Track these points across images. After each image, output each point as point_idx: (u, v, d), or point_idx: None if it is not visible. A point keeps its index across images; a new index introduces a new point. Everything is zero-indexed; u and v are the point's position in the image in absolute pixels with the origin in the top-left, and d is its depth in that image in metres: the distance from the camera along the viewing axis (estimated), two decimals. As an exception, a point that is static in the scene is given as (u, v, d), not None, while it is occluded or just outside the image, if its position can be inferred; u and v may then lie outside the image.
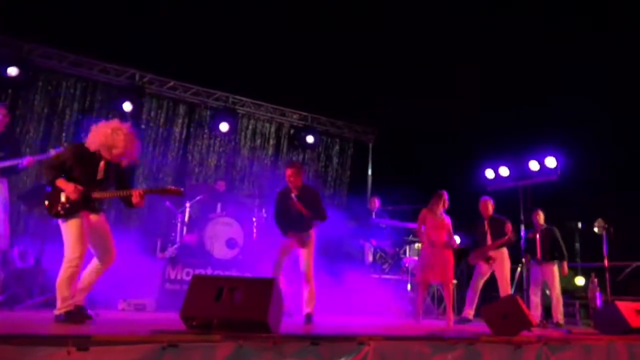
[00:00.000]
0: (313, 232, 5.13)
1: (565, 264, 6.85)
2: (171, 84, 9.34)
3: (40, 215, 5.98)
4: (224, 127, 9.41)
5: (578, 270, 9.83)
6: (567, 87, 10.42)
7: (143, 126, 9.13)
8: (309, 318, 4.96)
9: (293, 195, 5.07)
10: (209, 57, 9.93)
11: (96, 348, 2.44)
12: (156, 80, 9.21)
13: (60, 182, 3.71)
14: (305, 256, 5.04)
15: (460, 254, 7.28)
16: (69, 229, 3.69)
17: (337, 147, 11.21)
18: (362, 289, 7.22)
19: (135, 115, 8.90)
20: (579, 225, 10.58)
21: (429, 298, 7.91)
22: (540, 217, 6.98)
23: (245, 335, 2.92)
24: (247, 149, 10.19)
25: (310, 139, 10.34)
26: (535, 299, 6.72)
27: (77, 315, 3.63)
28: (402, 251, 8.36)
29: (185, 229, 7.24)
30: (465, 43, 10.86)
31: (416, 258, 8.30)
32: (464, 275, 9.55)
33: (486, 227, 6.70)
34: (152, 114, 9.27)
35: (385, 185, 10.39)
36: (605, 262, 6.49)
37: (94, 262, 3.87)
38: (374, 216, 8.44)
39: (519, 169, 7.67)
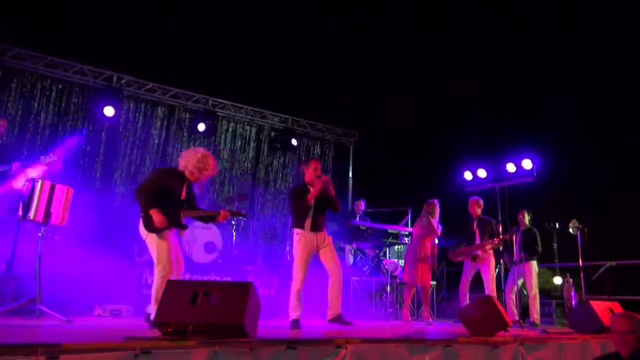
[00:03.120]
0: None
1: (535, 263, 6.97)
2: (149, 86, 9.23)
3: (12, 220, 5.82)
4: (201, 127, 9.36)
5: (556, 270, 9.98)
6: (543, 89, 10.61)
7: (121, 128, 9.01)
8: (341, 318, 4.87)
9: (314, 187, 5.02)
10: (189, 59, 9.86)
11: (66, 357, 2.39)
12: (134, 82, 9.09)
13: (153, 212, 4.15)
14: (333, 252, 5.03)
15: (440, 254, 7.39)
16: (160, 246, 4.19)
17: (317, 150, 11.21)
18: (341, 291, 7.21)
19: (113, 117, 8.78)
20: (557, 225, 10.76)
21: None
22: (526, 217, 7.09)
23: (220, 340, 2.89)
24: (227, 151, 10.13)
25: (291, 142, 10.32)
26: (512, 298, 6.81)
27: None
28: (382, 253, 8.39)
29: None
30: (444, 47, 10.98)
31: (396, 260, 8.35)
32: (444, 276, 9.64)
33: (475, 227, 6.78)
34: (130, 115, 9.15)
35: (365, 188, 10.43)
36: (580, 262, 6.60)
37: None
38: (358, 218, 8.45)
39: (496, 171, 7.78)
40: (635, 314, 3.26)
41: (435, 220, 6.71)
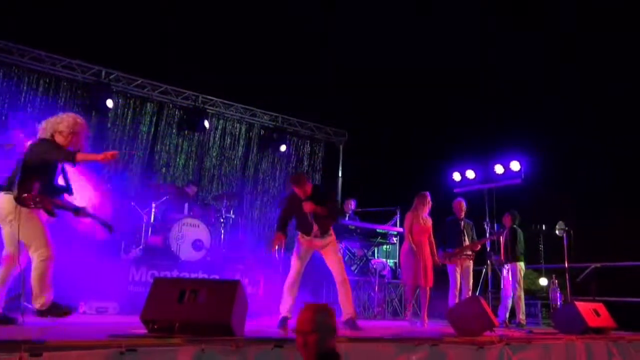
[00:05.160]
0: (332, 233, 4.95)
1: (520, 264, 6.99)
2: (139, 82, 9.14)
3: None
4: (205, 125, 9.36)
5: (542, 272, 10.07)
6: (531, 92, 10.71)
7: (109, 124, 8.92)
8: (354, 323, 4.67)
9: (302, 197, 4.75)
10: (179, 56, 9.80)
11: (50, 354, 2.36)
12: (123, 78, 9.00)
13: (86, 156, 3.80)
14: (334, 257, 4.86)
15: None
16: (37, 224, 3.72)
17: (307, 149, 11.20)
18: (330, 291, 7.23)
19: (101, 112, 8.70)
20: (543, 227, 10.87)
21: (396, 300, 7.98)
22: (509, 220, 7.09)
23: (207, 338, 2.87)
24: (216, 149, 10.08)
25: (281, 144, 10.30)
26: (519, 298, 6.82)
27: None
28: (370, 253, 8.41)
29: (150, 229, 7.09)
30: (437, 46, 11.03)
31: (384, 260, 8.38)
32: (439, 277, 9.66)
33: (462, 227, 6.74)
34: (119, 111, 9.06)
35: (355, 187, 10.44)
36: (566, 263, 6.67)
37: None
38: (347, 218, 8.44)
39: (484, 172, 7.84)
40: (322, 306, 2.56)
41: (424, 214, 6.20)
